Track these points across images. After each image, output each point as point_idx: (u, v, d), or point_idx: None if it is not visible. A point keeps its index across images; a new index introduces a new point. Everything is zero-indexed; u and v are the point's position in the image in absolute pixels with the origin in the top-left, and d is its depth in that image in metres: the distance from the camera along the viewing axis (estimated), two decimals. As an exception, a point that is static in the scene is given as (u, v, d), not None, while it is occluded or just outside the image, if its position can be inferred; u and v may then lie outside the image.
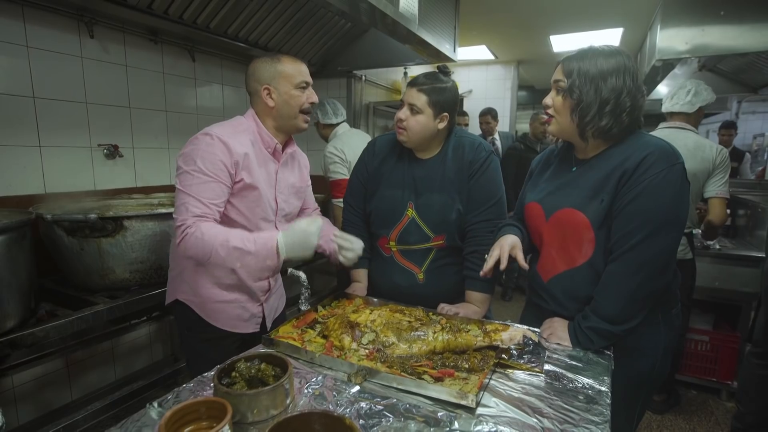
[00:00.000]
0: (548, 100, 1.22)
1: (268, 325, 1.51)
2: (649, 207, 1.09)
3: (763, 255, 2.46)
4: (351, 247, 1.37)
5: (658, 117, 2.49)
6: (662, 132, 2.33)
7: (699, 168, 2.18)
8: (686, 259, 2.27)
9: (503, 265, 1.20)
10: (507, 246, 1.22)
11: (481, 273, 1.25)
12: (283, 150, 1.43)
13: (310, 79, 1.38)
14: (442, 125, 1.41)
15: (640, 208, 1.10)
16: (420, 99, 1.37)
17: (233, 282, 1.39)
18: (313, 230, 1.24)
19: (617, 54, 1.14)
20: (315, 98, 1.40)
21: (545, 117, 1.26)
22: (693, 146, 2.19)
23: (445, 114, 1.41)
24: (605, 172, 1.16)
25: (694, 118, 2.32)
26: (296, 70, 1.35)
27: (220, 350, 1.38)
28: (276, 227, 1.42)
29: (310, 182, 1.61)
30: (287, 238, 1.24)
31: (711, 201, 2.23)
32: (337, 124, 2.74)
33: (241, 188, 1.31)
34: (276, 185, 1.41)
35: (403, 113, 1.40)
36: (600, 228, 1.17)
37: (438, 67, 1.44)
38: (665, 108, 2.36)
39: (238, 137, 1.30)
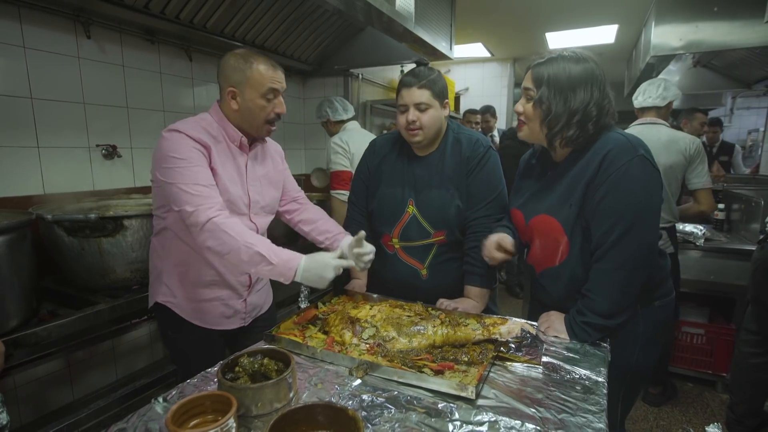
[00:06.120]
0: (519, 107, 1.24)
1: (247, 321, 1.49)
2: (619, 203, 1.11)
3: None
4: (365, 251, 1.36)
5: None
6: (635, 129, 2.37)
7: (675, 161, 2.21)
8: (668, 253, 2.29)
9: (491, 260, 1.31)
10: (492, 241, 1.33)
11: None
12: (252, 143, 1.40)
13: (280, 86, 1.30)
14: (445, 112, 1.45)
15: (611, 206, 1.12)
16: (424, 95, 1.37)
17: (213, 279, 1.37)
18: (333, 264, 1.19)
19: (585, 61, 1.15)
20: (283, 109, 1.32)
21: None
22: (666, 140, 2.23)
23: (446, 100, 1.44)
24: (572, 176, 1.19)
25: (664, 112, 2.37)
26: (266, 77, 1.26)
27: (206, 349, 1.38)
28: (251, 220, 1.39)
29: (287, 168, 1.57)
30: (308, 264, 1.18)
31: (699, 193, 2.27)
32: (347, 120, 2.73)
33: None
34: (246, 179, 1.38)
35: (412, 115, 1.38)
36: (572, 232, 1.20)
37: (419, 64, 1.43)
38: (637, 104, 2.40)
39: (201, 133, 1.26)
